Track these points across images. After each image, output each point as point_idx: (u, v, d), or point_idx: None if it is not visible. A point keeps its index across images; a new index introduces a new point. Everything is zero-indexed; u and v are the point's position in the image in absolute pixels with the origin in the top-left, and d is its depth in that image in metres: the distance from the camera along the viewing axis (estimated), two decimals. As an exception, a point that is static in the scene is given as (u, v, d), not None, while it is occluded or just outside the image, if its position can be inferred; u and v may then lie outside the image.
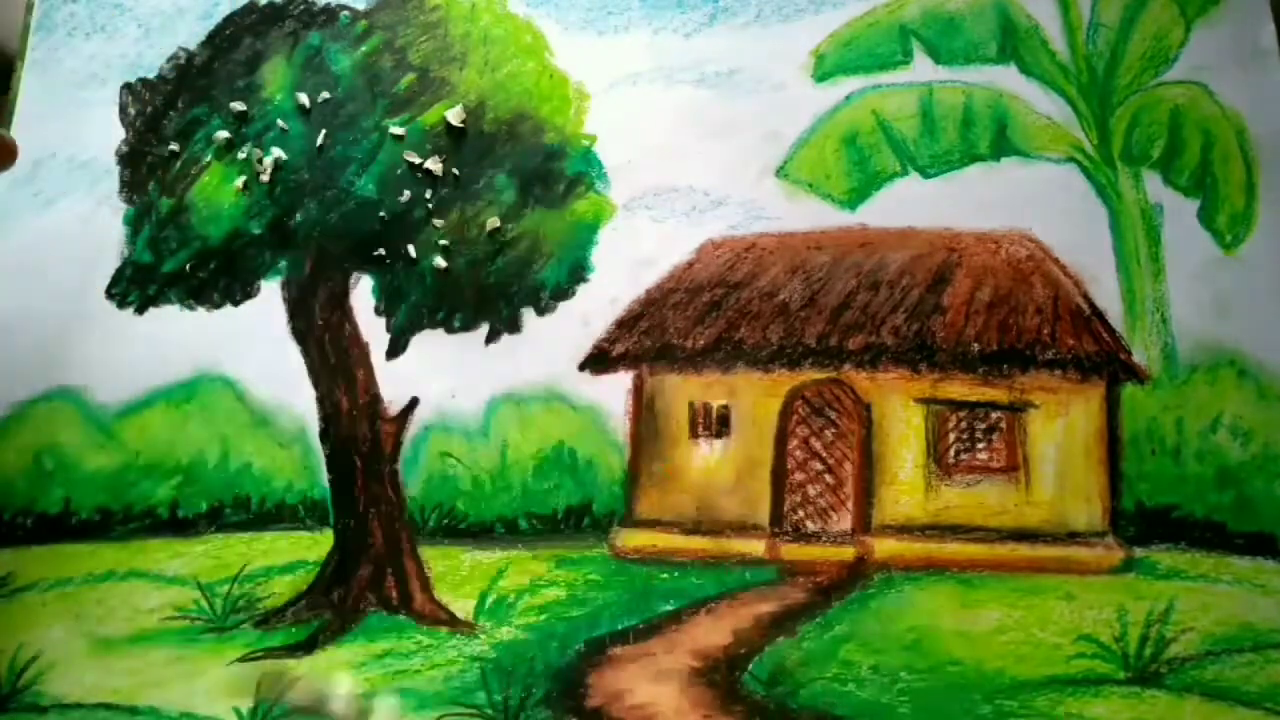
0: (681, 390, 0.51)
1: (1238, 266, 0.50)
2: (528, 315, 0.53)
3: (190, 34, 0.61)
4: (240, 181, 0.56)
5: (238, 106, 0.58)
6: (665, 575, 0.49)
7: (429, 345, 0.54)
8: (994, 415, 0.49)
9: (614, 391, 0.52)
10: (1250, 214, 0.51)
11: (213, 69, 0.60)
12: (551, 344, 0.53)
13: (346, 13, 0.60)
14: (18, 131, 0.58)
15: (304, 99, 0.58)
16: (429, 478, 0.51)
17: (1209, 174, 0.52)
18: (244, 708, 0.48)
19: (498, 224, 0.55)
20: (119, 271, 0.57)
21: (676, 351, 0.52)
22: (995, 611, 0.47)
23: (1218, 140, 0.52)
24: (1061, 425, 0.49)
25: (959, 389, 0.50)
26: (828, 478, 0.50)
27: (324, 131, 0.57)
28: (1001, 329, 0.50)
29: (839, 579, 0.48)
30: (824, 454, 0.50)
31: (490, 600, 0.48)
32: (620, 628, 0.48)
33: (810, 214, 0.53)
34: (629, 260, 0.54)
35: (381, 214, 0.55)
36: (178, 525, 0.51)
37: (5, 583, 0.50)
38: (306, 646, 0.48)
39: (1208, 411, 0.48)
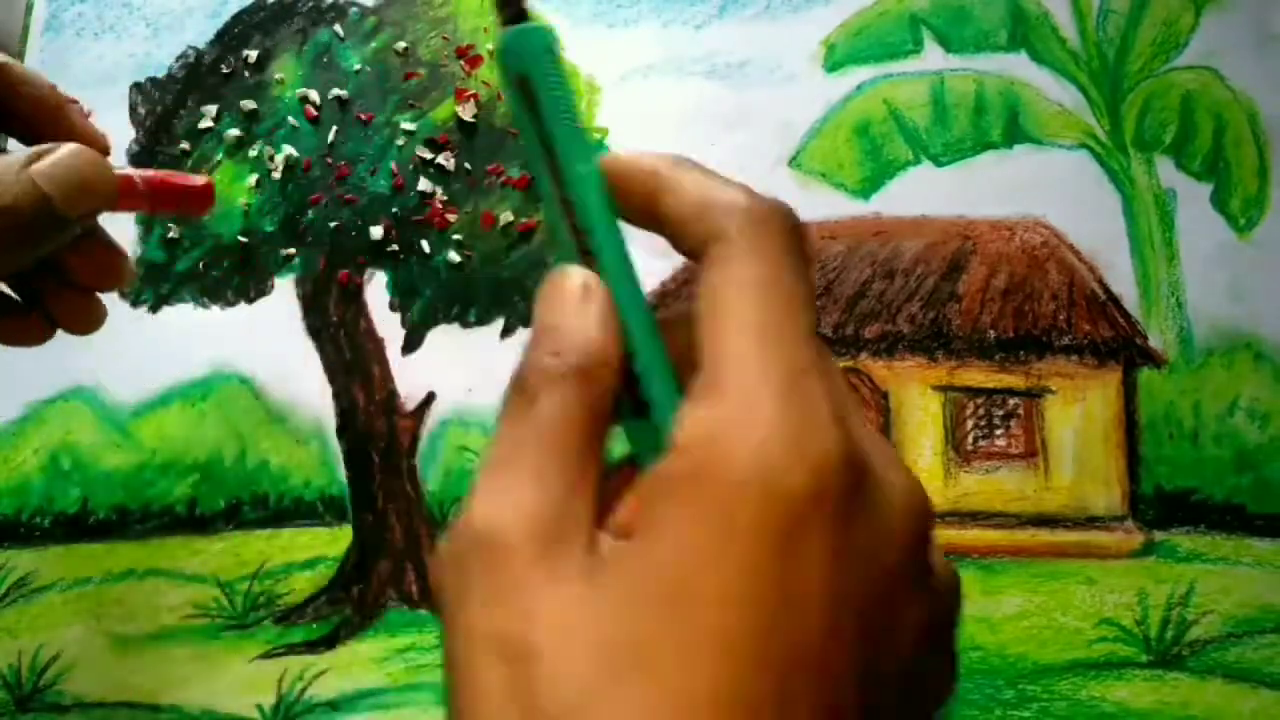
0: (698, 381, 0.51)
1: (1252, 250, 0.50)
2: (542, 309, 0.53)
3: (199, 32, 0.61)
4: (252, 179, 0.56)
5: (248, 104, 0.58)
6: (685, 566, 0.49)
7: (445, 340, 0.54)
8: (1011, 402, 0.49)
9: (630, 383, 0.51)
10: (1263, 197, 0.51)
11: (222, 67, 0.59)
12: (567, 337, 0.53)
13: (356, 9, 0.60)
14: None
15: (314, 96, 0.58)
16: (447, 473, 0.50)
17: (1221, 158, 0.52)
18: (266, 704, 0.48)
19: (511, 218, 0.55)
20: (131, 271, 0.57)
21: (692, 343, 0.52)
22: (1016, 597, 0.47)
23: (1230, 125, 0.52)
24: (1079, 410, 0.49)
25: (976, 376, 0.50)
26: (846, 466, 0.50)
27: (335, 128, 0.57)
28: (1017, 315, 0.50)
29: (859, 567, 0.48)
30: (842, 442, 0.50)
31: (511, 593, 0.48)
32: (641, 619, 0.47)
33: (824, 203, 0.53)
34: (643, 252, 0.54)
35: (394, 209, 0.55)
36: (196, 523, 0.51)
37: (24, 583, 0.50)
38: (328, 642, 0.48)
39: (1225, 395, 0.49)
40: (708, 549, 0.21)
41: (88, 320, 0.41)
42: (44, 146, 0.34)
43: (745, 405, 0.22)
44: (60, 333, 0.54)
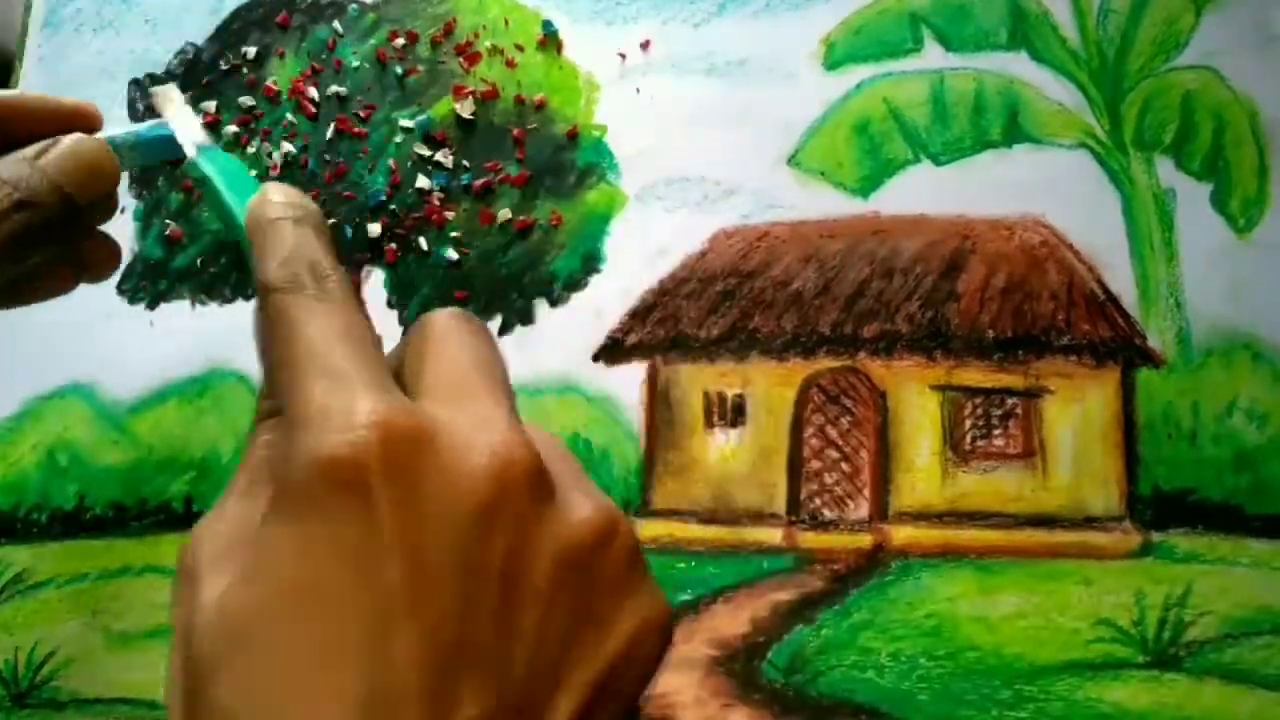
0: (696, 380, 0.51)
1: (1251, 250, 0.50)
2: (540, 307, 0.53)
3: (198, 28, 0.61)
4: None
5: (246, 101, 0.58)
6: (682, 565, 0.49)
7: (442, 337, 0.53)
8: (1010, 401, 0.49)
9: (628, 382, 0.51)
10: (1263, 197, 0.51)
11: (221, 64, 0.59)
12: (564, 335, 0.53)
13: (355, 5, 0.60)
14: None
15: (313, 93, 0.58)
16: (444, 470, 0.50)
17: (1221, 158, 0.52)
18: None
19: (509, 215, 0.55)
20: (129, 267, 0.57)
21: (690, 341, 0.52)
22: (1013, 597, 0.47)
23: (1230, 124, 0.52)
24: (1077, 410, 0.49)
25: (974, 375, 0.50)
26: (844, 465, 0.50)
27: (333, 125, 0.57)
28: (1016, 315, 0.50)
29: (857, 566, 0.48)
30: (840, 442, 0.50)
31: (508, 591, 0.48)
32: (638, 617, 0.47)
33: (823, 202, 0.53)
34: (641, 251, 0.54)
35: (392, 207, 0.55)
36: (193, 520, 0.50)
37: (20, 579, 0.50)
38: (324, 639, 0.48)
39: (1224, 395, 0.48)
40: (292, 515, 0.24)
41: (111, 258, 0.43)
42: (46, 142, 0.35)
43: (302, 397, 0.25)
44: (58, 329, 0.54)
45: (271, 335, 0.27)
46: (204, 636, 0.24)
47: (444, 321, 0.30)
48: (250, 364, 0.53)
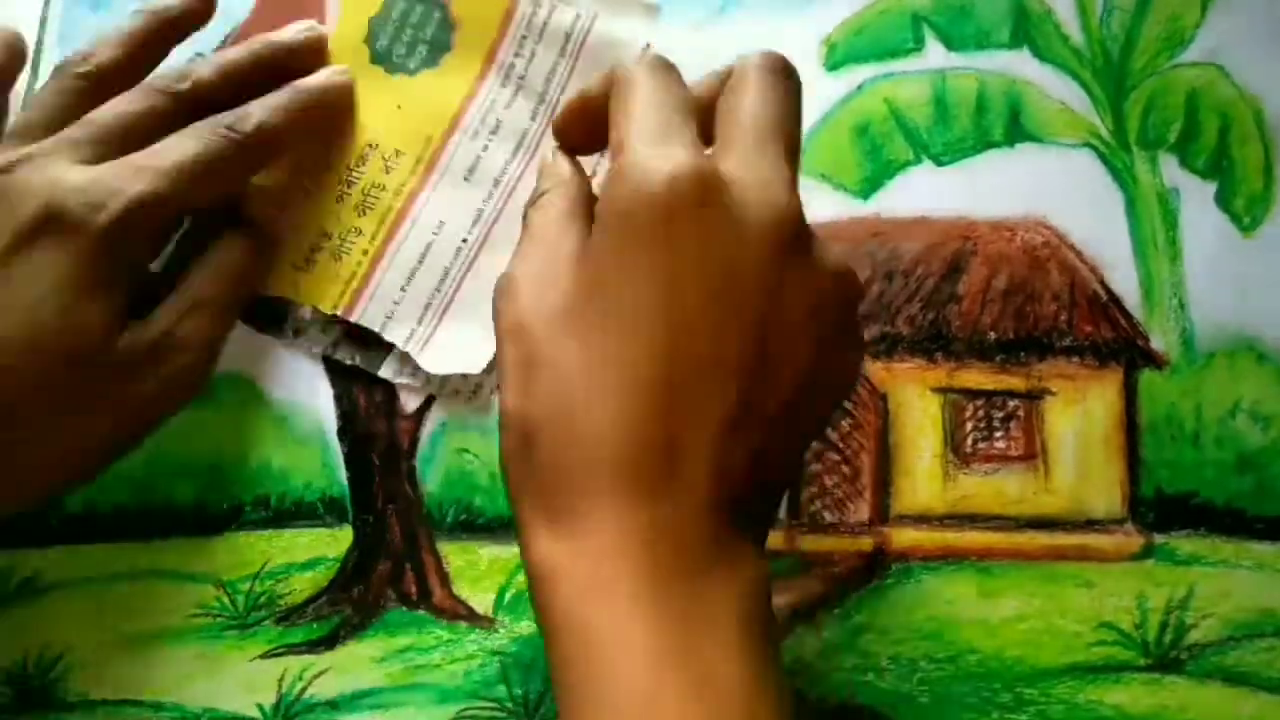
0: (697, 382, 0.51)
1: (1257, 249, 0.50)
2: (542, 310, 0.53)
3: (205, 37, 0.61)
4: (254, 181, 0.57)
5: (251, 106, 0.58)
6: (683, 567, 0.49)
7: (444, 341, 0.54)
8: (1011, 403, 0.49)
9: (629, 385, 0.52)
10: (1269, 196, 0.50)
11: (225, 69, 0.60)
12: (566, 338, 0.53)
13: (357, 10, 0.60)
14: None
15: (316, 97, 0.58)
16: (447, 474, 0.51)
17: (1226, 156, 0.51)
18: (267, 703, 0.48)
19: (511, 219, 0.55)
20: (136, 272, 0.57)
21: (691, 344, 0.52)
22: (1014, 600, 0.47)
23: (1235, 122, 0.52)
24: (1079, 412, 0.49)
25: (976, 378, 0.50)
26: (844, 468, 0.50)
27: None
28: (1018, 317, 0.50)
29: (857, 569, 0.48)
30: (840, 444, 0.50)
31: (509, 595, 0.48)
32: (639, 620, 0.48)
33: (823, 204, 0.53)
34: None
35: (395, 211, 0.56)
36: (199, 524, 0.51)
37: (29, 582, 0.51)
38: (328, 642, 0.49)
39: (1227, 397, 0.48)
40: (618, 238, 0.32)
41: None
42: None
43: (631, 152, 0.33)
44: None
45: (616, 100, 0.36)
46: (535, 332, 0.33)
47: (758, 75, 0.37)
48: (258, 368, 0.53)
